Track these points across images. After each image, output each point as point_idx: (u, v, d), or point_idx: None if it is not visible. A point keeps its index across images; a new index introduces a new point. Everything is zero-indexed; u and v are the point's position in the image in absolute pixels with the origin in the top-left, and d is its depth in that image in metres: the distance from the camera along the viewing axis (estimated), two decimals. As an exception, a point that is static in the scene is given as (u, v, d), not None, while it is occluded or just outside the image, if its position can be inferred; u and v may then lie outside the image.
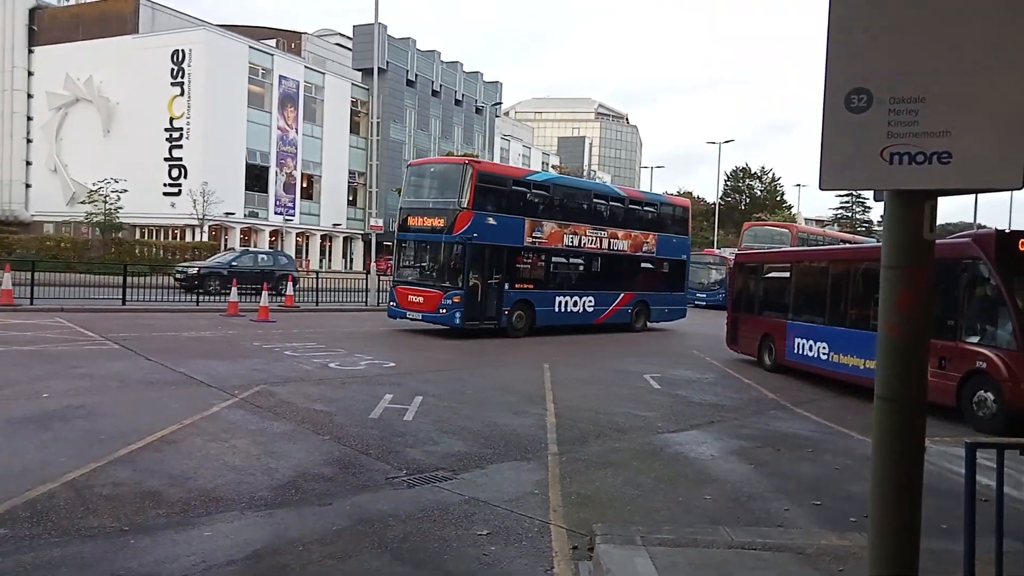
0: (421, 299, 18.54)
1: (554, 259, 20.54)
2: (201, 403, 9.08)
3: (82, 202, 41.53)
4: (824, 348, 13.87)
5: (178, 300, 22.39)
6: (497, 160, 64.59)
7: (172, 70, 45.83)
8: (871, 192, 3.68)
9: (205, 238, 43.86)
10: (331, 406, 9.44)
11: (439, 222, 18.55)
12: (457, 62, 67.80)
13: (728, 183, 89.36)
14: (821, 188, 3.24)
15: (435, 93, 65.10)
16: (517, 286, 19.35)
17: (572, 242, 20.85)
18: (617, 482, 6.99)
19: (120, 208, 39.09)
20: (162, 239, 44.91)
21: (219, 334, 16.29)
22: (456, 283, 17.94)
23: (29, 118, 51.39)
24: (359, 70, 58.63)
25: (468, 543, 5.20)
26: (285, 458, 7.02)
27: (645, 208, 24.15)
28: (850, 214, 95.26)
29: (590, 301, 21.43)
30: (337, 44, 64.44)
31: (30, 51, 51.66)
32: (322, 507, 5.78)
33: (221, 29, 49.79)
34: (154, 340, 14.49)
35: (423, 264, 19.47)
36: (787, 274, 16.09)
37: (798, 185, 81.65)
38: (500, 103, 73.01)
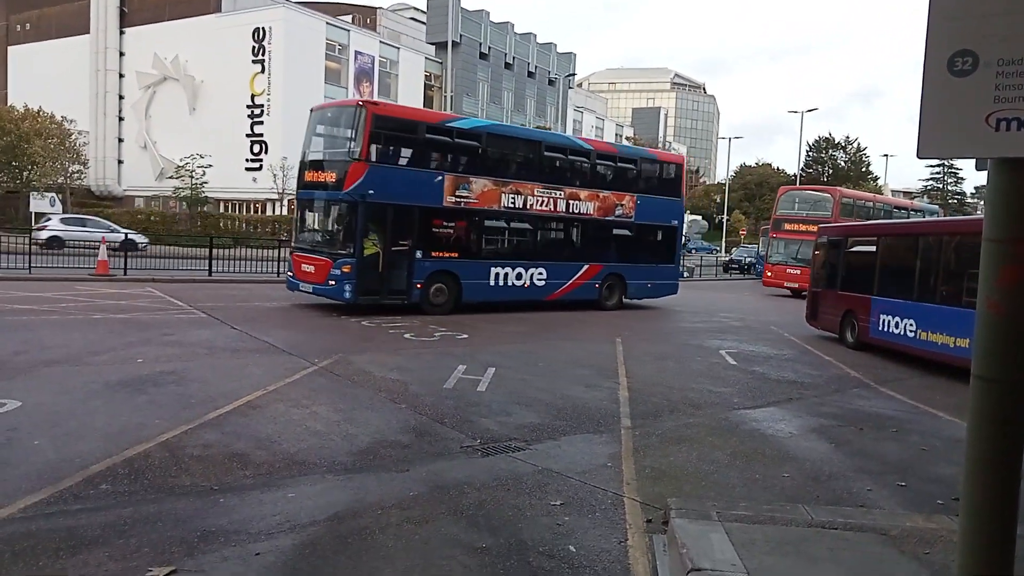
0: (312, 268, 15.75)
1: (488, 223, 17.42)
2: (283, 370, 9.40)
3: (170, 177, 43.31)
4: (911, 325, 13.31)
5: (261, 272, 23.15)
6: (570, 132, 63.98)
7: (253, 48, 46.97)
8: (968, 162, 3.49)
9: (284, 212, 45.12)
10: (406, 375, 9.63)
11: (331, 176, 15.74)
12: (531, 33, 67.16)
13: (810, 154, 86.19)
14: (919, 156, 3.08)
15: (508, 66, 64.77)
16: (435, 254, 16.35)
17: (514, 203, 17.64)
18: (691, 457, 6.91)
19: (205, 183, 40.60)
20: (244, 213, 46.40)
21: (299, 305, 16.79)
22: (347, 249, 14.99)
23: (121, 97, 53.60)
24: (433, 44, 58.81)
25: (542, 512, 5.24)
26: (363, 425, 7.21)
27: (620, 165, 20.58)
28: (940, 185, 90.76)
29: (540, 273, 18.27)
30: (411, 18, 64.70)
31: (121, 32, 53.76)
32: (399, 473, 5.92)
33: (299, 6, 50.66)
34: (239, 310, 15.05)
35: (315, 227, 16.71)
36: (873, 248, 15.45)
37: (885, 155, 78.00)
38: (574, 74, 72.15)
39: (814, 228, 28.04)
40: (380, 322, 14.50)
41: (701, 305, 23.43)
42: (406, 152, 16.45)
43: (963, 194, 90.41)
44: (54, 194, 42.46)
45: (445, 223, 16.66)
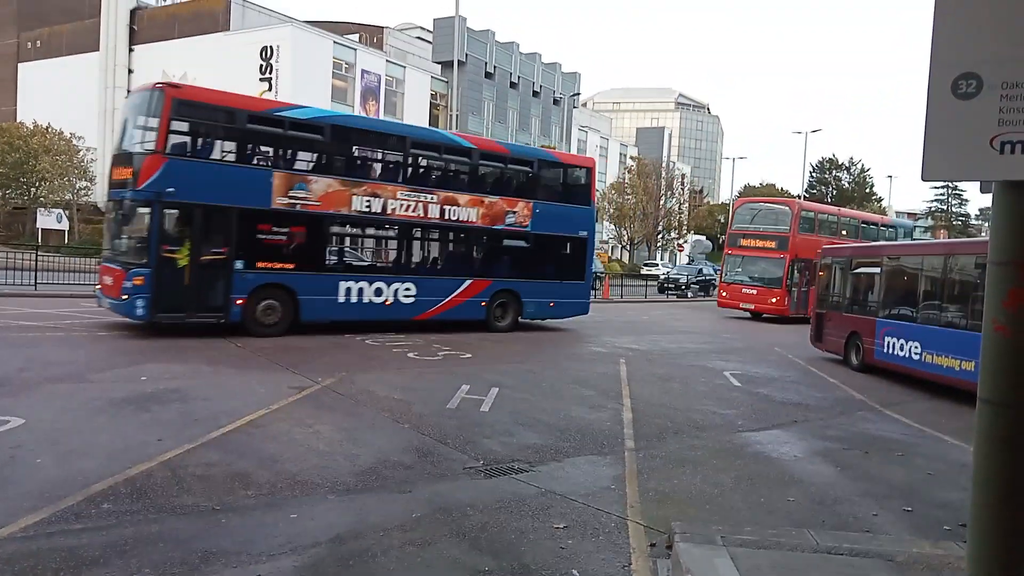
0: (110, 280, 13.47)
1: (336, 229, 15.30)
2: (287, 389, 9.39)
3: (177, 194, 43.40)
4: (916, 348, 13.25)
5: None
6: (574, 151, 64.23)
7: (261, 66, 47.38)
8: (972, 184, 3.49)
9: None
10: (410, 395, 9.61)
11: (128, 172, 13.27)
12: (536, 53, 67.67)
13: (814, 174, 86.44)
14: (924, 179, 3.09)
15: (513, 85, 65.18)
16: (263, 265, 13.87)
17: (371, 207, 15.21)
18: (696, 480, 6.87)
19: (213, 199, 40.66)
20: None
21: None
22: (142, 258, 12.75)
23: (129, 114, 54.06)
24: (439, 63, 59.25)
25: (545, 535, 5.20)
26: (366, 445, 7.18)
27: (512, 167, 18.25)
28: (945, 207, 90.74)
29: (408, 289, 15.85)
30: (418, 37, 65.27)
31: (130, 50, 54.32)
32: (402, 494, 5.89)
33: (307, 25, 51.17)
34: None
35: (116, 233, 13.97)
36: (877, 269, 15.43)
37: (889, 176, 78.14)
38: (578, 94, 72.56)
39: (771, 243, 26.84)
40: (384, 341, 14.49)
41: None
42: (224, 145, 14.10)
43: (967, 216, 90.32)
44: (61, 210, 42.72)
45: (276, 229, 14.21)
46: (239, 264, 13.57)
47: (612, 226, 66.09)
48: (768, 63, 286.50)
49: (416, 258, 16.68)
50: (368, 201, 15.21)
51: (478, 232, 17.20)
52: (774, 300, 26.46)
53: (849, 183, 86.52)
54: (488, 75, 62.25)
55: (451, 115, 57.47)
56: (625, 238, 65.78)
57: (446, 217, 16.47)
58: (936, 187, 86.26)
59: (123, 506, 5.19)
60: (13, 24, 61.17)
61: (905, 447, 8.81)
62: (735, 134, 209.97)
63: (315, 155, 15.18)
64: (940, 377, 12.56)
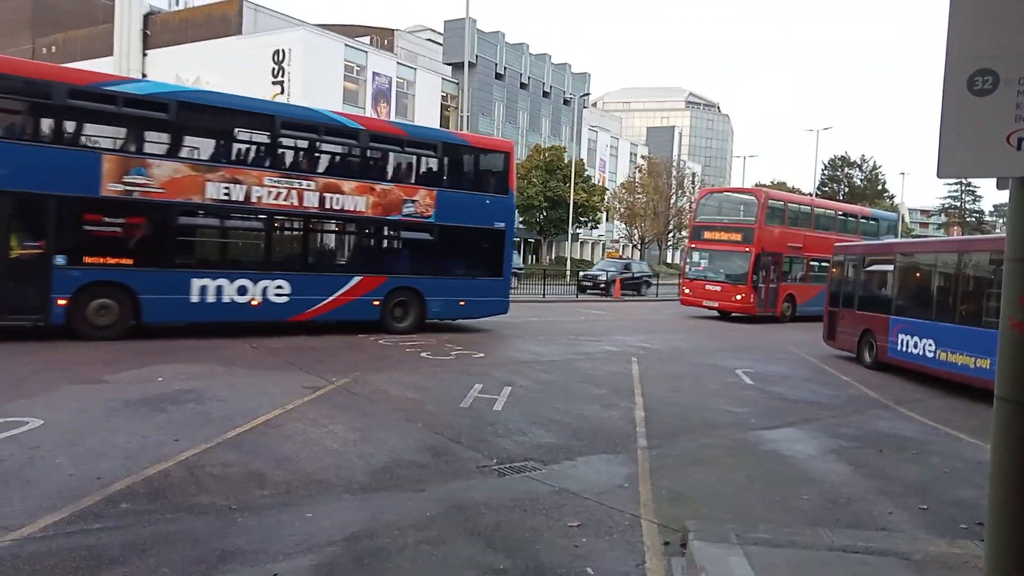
0: None
1: (185, 220, 13.54)
2: (301, 389, 9.44)
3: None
4: (930, 345, 13.17)
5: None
6: (584, 154, 64.17)
7: (273, 69, 47.63)
8: (987, 180, 3.48)
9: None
10: (423, 394, 9.64)
11: None
12: (546, 54, 67.66)
13: (826, 172, 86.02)
14: (939, 176, 3.08)
15: (523, 86, 65.20)
16: (92, 260, 12.36)
17: (230, 195, 13.55)
18: (709, 479, 6.86)
19: (224, 201, 40.98)
20: (262, 231, 46.85)
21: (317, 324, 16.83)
22: None
23: (142, 117, 54.49)
24: (449, 64, 59.36)
25: (559, 534, 5.21)
26: (380, 444, 7.22)
27: (410, 151, 16.34)
28: (959, 204, 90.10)
29: (280, 287, 14.24)
30: (428, 39, 65.42)
31: (144, 54, 54.73)
32: (416, 493, 5.92)
33: (318, 28, 51.38)
34: (257, 327, 15.10)
35: None
36: (890, 267, 15.35)
37: (902, 174, 77.60)
38: (588, 94, 72.50)
39: (736, 236, 24.97)
40: (397, 341, 14.53)
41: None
42: (38, 123, 12.46)
43: (981, 212, 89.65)
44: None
45: (108, 219, 12.60)
46: (60, 260, 12.03)
47: (623, 225, 65.99)
48: (778, 61, 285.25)
49: (290, 253, 14.96)
50: (227, 188, 13.49)
51: (368, 223, 15.42)
52: (739, 297, 24.44)
53: (861, 180, 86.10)
54: (498, 76, 62.30)
55: (462, 116, 57.56)
56: (636, 237, 65.64)
57: (327, 206, 14.64)
58: (949, 183, 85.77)
59: (141, 506, 5.24)
60: (28, 30, 61.73)
61: (920, 445, 8.76)
62: (746, 133, 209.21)
63: (158, 136, 13.37)
64: (954, 375, 12.48)
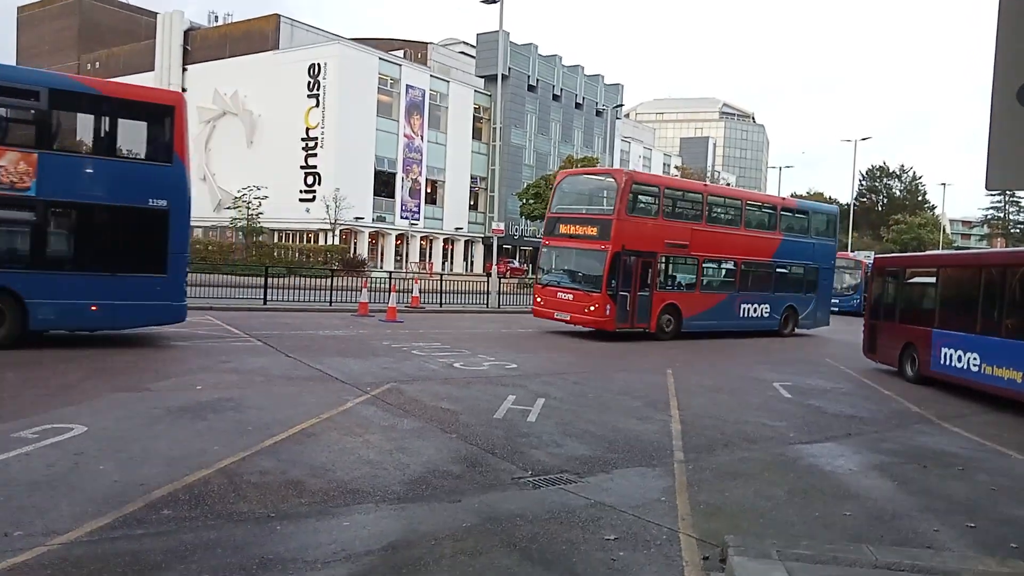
0: None
1: None
2: (336, 399, 9.53)
3: (228, 208, 44.64)
4: (975, 359, 12.85)
5: (313, 300, 23.56)
6: (616, 165, 63.99)
7: (309, 83, 48.41)
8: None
9: (336, 241, 45.99)
10: (457, 405, 9.66)
11: None
12: (578, 65, 67.84)
13: (863, 183, 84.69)
14: (988, 188, 3.02)
15: (556, 97, 65.40)
16: None
17: None
18: (748, 493, 6.76)
19: (261, 213, 41.73)
20: (297, 243, 47.48)
21: (351, 333, 17.02)
22: None
23: (182, 131, 55.74)
24: (482, 77, 59.77)
25: (596, 547, 5.18)
26: (415, 454, 7.24)
27: None
28: (1002, 215, 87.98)
29: None
30: (461, 52, 65.99)
31: (184, 69, 56.04)
32: (452, 503, 5.92)
33: (353, 42, 52.15)
34: (292, 338, 15.33)
35: None
36: (933, 279, 15.03)
37: (942, 184, 75.91)
38: (621, 105, 72.43)
39: (592, 230, 18.97)
40: (430, 352, 14.60)
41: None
42: None
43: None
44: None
45: None
46: None
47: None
48: (815, 70, 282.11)
49: None
50: None
51: None
52: (592, 309, 18.41)
53: (901, 191, 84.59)
54: (531, 88, 62.56)
55: (494, 128, 57.86)
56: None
57: None
58: (992, 195, 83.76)
59: (183, 512, 5.33)
60: (75, 47, 63.62)
61: (965, 461, 8.54)
62: (781, 143, 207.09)
63: None
64: (1001, 390, 12.16)
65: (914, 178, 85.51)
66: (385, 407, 9.30)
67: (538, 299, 20.43)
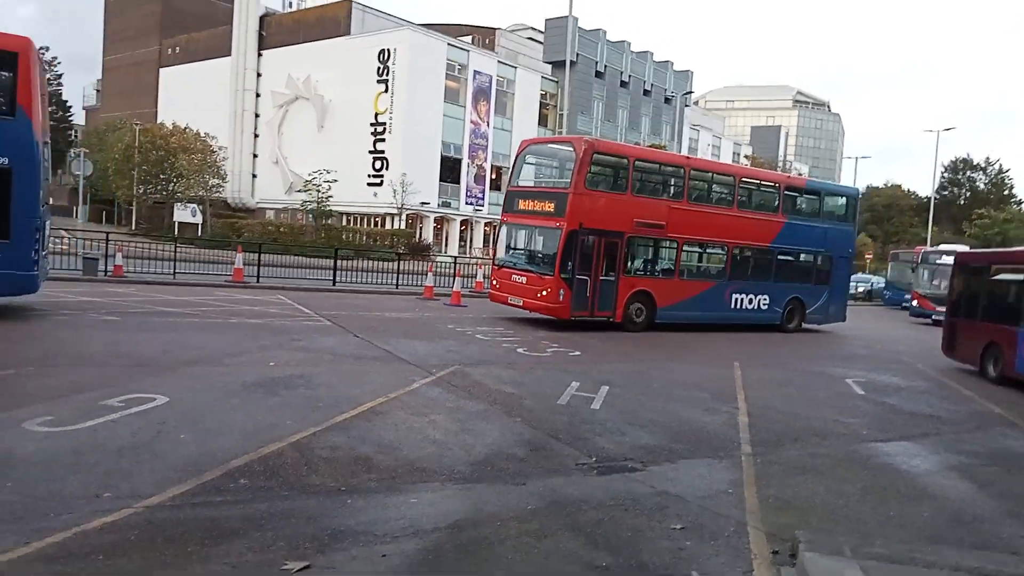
0: None
1: None
2: (403, 379, 9.68)
3: (299, 191, 45.67)
4: (1065, 361, 12.21)
5: (380, 283, 23.95)
6: (685, 150, 62.90)
7: (378, 68, 48.97)
8: None
9: (402, 226, 46.59)
10: (520, 389, 9.70)
11: None
12: (647, 52, 66.75)
13: (945, 175, 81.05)
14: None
15: (623, 84, 64.55)
16: None
17: None
18: (818, 489, 6.60)
19: (330, 197, 42.55)
20: (365, 226, 48.27)
21: (417, 315, 17.25)
22: None
23: (257, 115, 57.15)
24: (549, 63, 59.41)
25: (662, 535, 5.14)
26: (480, 436, 7.31)
27: None
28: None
29: None
30: (529, 38, 65.69)
31: (259, 54, 57.40)
32: (516, 486, 5.96)
33: (423, 28, 52.48)
34: (360, 319, 15.62)
35: None
36: (1020, 276, 14.31)
37: (1032, 177, 71.92)
38: (690, 92, 71.05)
39: (550, 206, 17.04)
40: (493, 336, 14.68)
41: None
42: None
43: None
44: (196, 205, 45.63)
45: None
46: None
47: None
48: (894, 57, 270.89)
49: None
50: None
51: None
52: (544, 293, 16.48)
53: (985, 184, 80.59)
54: (598, 74, 61.92)
55: (560, 114, 57.51)
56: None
57: None
58: (1087, 188, 79.08)
59: (258, 482, 5.51)
60: (156, 32, 65.89)
61: (1053, 467, 8.15)
62: (858, 133, 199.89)
63: None
64: (1093, 394, 11.53)
65: (1000, 171, 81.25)
66: (450, 389, 9.40)
67: (494, 282, 18.62)
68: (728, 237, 19.20)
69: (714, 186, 19.80)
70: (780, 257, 20.49)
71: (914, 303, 31.68)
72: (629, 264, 17.56)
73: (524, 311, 17.52)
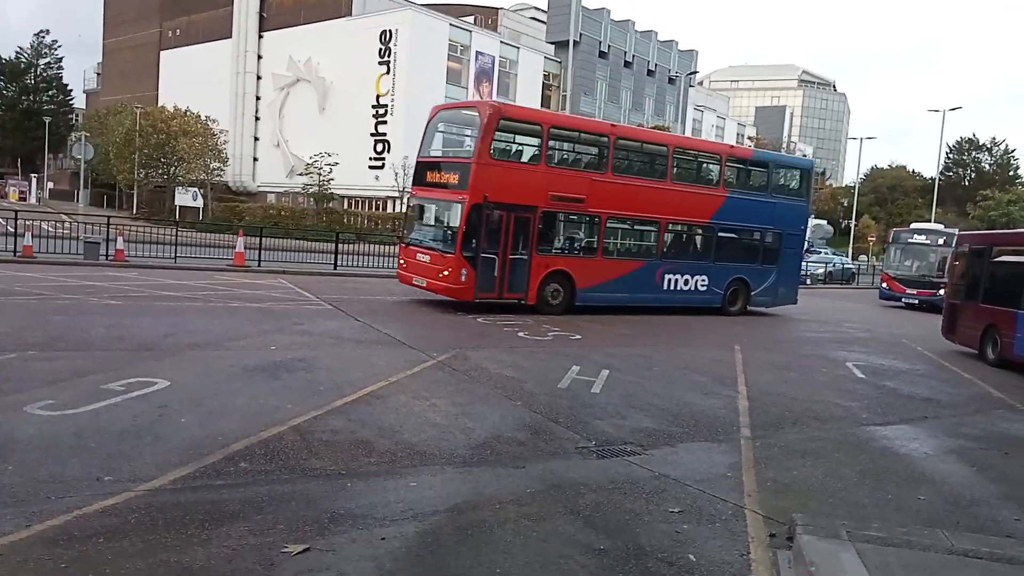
0: None
1: None
2: (404, 363, 9.71)
3: (300, 174, 45.58)
4: (1066, 344, 12.20)
5: (382, 267, 23.94)
6: (688, 134, 62.57)
7: (380, 49, 48.66)
8: None
9: (404, 209, 46.54)
10: (521, 373, 9.72)
11: None
12: (651, 31, 66.19)
13: (950, 156, 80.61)
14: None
15: (627, 64, 64.08)
16: None
17: None
18: (817, 472, 6.63)
19: (332, 180, 42.46)
20: (366, 210, 48.19)
21: (418, 299, 17.25)
22: None
23: (258, 98, 56.90)
24: (552, 43, 58.98)
25: (659, 519, 5.17)
26: (480, 420, 7.34)
27: None
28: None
29: None
30: (532, 18, 65.16)
31: (260, 36, 57.05)
32: (516, 469, 6.00)
33: (425, 8, 52.10)
34: (362, 303, 15.64)
35: None
36: (1021, 258, 14.26)
37: (1038, 158, 71.55)
38: (695, 72, 70.55)
39: (453, 178, 15.63)
40: (496, 320, 14.70)
41: None
42: None
43: None
44: (197, 189, 45.52)
45: None
46: None
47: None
48: (901, 36, 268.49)
49: None
50: None
51: None
52: (445, 273, 15.17)
53: (990, 165, 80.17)
54: (602, 55, 61.45)
55: (563, 95, 57.20)
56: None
57: None
58: (1094, 169, 78.69)
59: (259, 465, 5.55)
60: (157, 14, 65.44)
61: (1051, 450, 8.17)
62: (863, 113, 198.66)
63: None
64: (1093, 377, 11.53)
65: (1006, 151, 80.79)
66: (451, 372, 9.43)
67: (402, 261, 17.29)
68: (660, 212, 17.63)
69: (644, 156, 18.05)
70: (721, 234, 18.86)
71: (883, 285, 29.44)
72: (544, 242, 16.04)
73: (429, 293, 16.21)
